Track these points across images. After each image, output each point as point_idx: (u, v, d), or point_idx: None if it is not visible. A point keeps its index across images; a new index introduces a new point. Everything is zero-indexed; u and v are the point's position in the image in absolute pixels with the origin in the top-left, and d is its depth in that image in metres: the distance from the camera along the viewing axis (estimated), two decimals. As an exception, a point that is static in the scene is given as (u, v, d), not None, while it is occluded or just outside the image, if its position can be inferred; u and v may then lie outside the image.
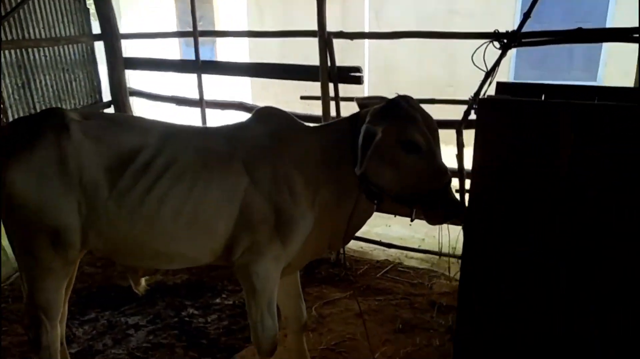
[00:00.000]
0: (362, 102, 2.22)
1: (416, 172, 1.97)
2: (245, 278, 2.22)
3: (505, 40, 3.09)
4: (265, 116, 2.27)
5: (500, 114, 1.92)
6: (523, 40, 3.18)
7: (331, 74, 3.64)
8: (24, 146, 2.02)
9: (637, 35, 2.92)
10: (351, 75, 3.66)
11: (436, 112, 3.77)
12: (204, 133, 2.30)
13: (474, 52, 3.24)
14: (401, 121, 1.94)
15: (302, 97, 4.07)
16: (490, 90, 3.37)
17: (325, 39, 3.55)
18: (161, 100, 4.80)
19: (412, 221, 2.11)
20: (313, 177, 2.12)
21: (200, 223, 2.12)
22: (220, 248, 2.20)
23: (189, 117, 4.21)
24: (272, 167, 2.12)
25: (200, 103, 4.28)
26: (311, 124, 2.34)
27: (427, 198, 1.99)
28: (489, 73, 3.24)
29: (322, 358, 2.95)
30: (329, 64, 3.61)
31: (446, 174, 1.99)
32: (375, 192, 2.08)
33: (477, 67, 3.27)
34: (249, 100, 4.31)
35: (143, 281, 2.44)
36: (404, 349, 3.00)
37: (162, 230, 2.11)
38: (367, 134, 1.88)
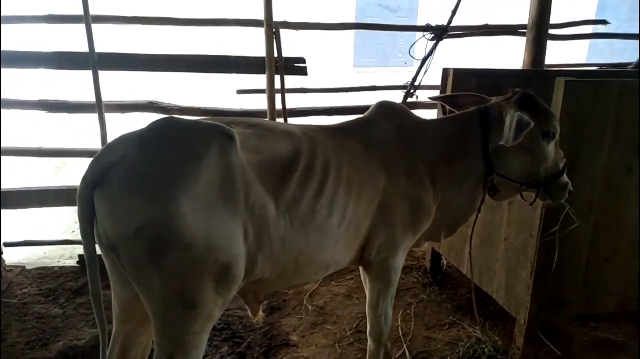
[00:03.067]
0: (448, 101, 2.36)
1: (549, 158, 2.11)
2: (383, 273, 2.18)
3: (437, 33, 3.67)
4: (388, 110, 2.21)
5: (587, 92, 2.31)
6: (450, 32, 3.83)
7: (278, 65, 3.55)
8: (185, 166, 1.52)
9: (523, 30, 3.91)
10: (295, 66, 3.64)
11: (374, 99, 4.17)
12: (336, 133, 2.07)
13: (413, 44, 3.74)
14: (542, 113, 2.06)
15: (240, 92, 3.79)
16: (425, 77, 3.94)
17: (272, 28, 3.44)
18: (22, 107, 3.62)
19: (531, 204, 2.24)
20: (435, 170, 2.14)
21: (355, 225, 1.98)
22: (359, 249, 2.10)
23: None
24: (404, 162, 2.10)
25: (99, 107, 3.47)
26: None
27: (550, 180, 2.14)
28: (424, 61, 3.79)
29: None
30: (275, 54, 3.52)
31: (564, 159, 2.19)
32: (493, 185, 2.17)
33: (412, 57, 3.79)
34: (161, 98, 3.68)
35: (261, 308, 2.06)
36: (407, 310, 3.34)
37: (331, 238, 1.89)
38: (522, 121, 1.91)
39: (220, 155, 1.58)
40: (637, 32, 4.56)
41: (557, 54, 4.25)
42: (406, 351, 2.88)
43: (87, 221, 1.51)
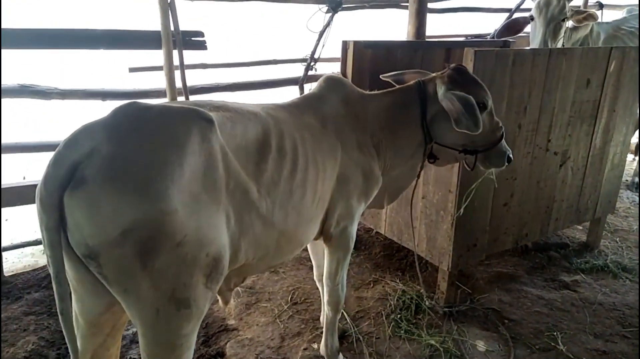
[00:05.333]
0: (396, 78, 2.43)
1: (482, 128, 2.10)
2: (342, 243, 2.24)
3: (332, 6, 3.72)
4: (335, 85, 2.23)
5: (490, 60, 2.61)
6: (344, 6, 3.90)
7: (176, 40, 3.29)
8: (169, 156, 1.37)
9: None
10: (193, 40, 3.41)
11: (276, 72, 4.08)
12: (292, 110, 2.01)
13: (310, 18, 3.76)
14: (473, 86, 2.16)
15: (133, 70, 3.40)
16: (324, 49, 3.97)
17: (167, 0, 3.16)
18: None
19: (472, 169, 2.34)
20: (379, 140, 2.24)
21: (323, 200, 2.01)
22: (322, 222, 2.13)
23: None
24: (354, 134, 2.15)
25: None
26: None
27: (487, 148, 2.25)
28: (321, 34, 3.84)
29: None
30: (171, 28, 3.25)
31: (502, 127, 2.28)
32: (432, 153, 2.31)
33: (310, 30, 3.81)
34: (35, 81, 3.09)
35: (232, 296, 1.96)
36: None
37: (306, 215, 1.89)
38: (465, 100, 2.02)
39: (202, 141, 1.48)
40: (494, 6, 5.27)
41: (433, 26, 4.66)
42: (344, 314, 3.03)
43: (55, 230, 1.31)
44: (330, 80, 2.26)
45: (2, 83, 3.06)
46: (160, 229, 1.34)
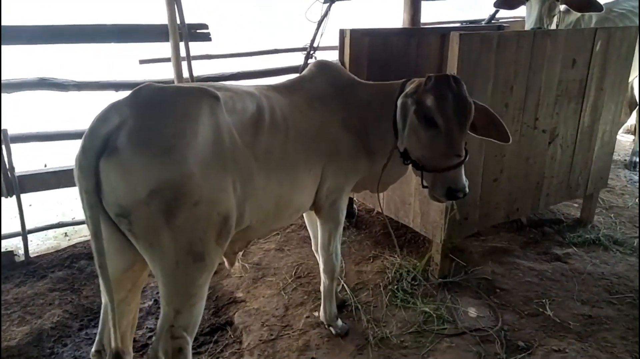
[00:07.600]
0: None
1: (429, 146, 2.06)
2: (332, 215, 2.43)
3: (330, -4, 3.90)
4: (323, 68, 2.42)
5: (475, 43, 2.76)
6: (341, -5, 4.08)
7: (182, 32, 3.49)
8: (186, 127, 1.61)
9: None
10: (198, 32, 3.61)
11: (277, 61, 4.28)
12: (282, 90, 2.21)
13: (308, 8, 3.94)
14: (431, 99, 2.00)
15: (143, 62, 3.62)
16: (322, 38, 4.15)
17: (172, -6, 3.36)
18: None
19: (423, 186, 2.17)
20: (363, 124, 2.36)
21: (314, 172, 2.21)
22: (314, 193, 2.32)
23: None
24: (340, 114, 2.32)
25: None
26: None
27: (434, 171, 2.08)
28: (320, 23, 4.01)
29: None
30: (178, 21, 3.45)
31: (453, 157, 2.01)
32: (404, 154, 2.20)
33: (309, 19, 3.99)
34: (52, 74, 3.33)
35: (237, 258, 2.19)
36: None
37: (301, 182, 2.11)
38: (403, 106, 2.06)
39: (211, 115, 1.71)
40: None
41: (427, 13, 4.80)
42: (344, 285, 3.23)
43: (93, 192, 1.53)
44: (319, 65, 2.45)
45: (22, 76, 3.31)
46: (181, 189, 1.57)
